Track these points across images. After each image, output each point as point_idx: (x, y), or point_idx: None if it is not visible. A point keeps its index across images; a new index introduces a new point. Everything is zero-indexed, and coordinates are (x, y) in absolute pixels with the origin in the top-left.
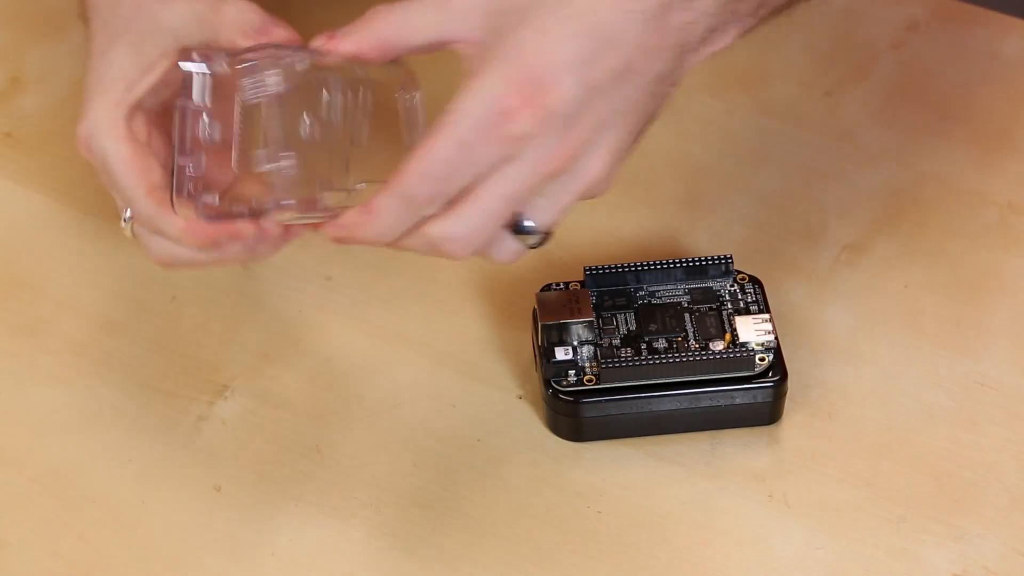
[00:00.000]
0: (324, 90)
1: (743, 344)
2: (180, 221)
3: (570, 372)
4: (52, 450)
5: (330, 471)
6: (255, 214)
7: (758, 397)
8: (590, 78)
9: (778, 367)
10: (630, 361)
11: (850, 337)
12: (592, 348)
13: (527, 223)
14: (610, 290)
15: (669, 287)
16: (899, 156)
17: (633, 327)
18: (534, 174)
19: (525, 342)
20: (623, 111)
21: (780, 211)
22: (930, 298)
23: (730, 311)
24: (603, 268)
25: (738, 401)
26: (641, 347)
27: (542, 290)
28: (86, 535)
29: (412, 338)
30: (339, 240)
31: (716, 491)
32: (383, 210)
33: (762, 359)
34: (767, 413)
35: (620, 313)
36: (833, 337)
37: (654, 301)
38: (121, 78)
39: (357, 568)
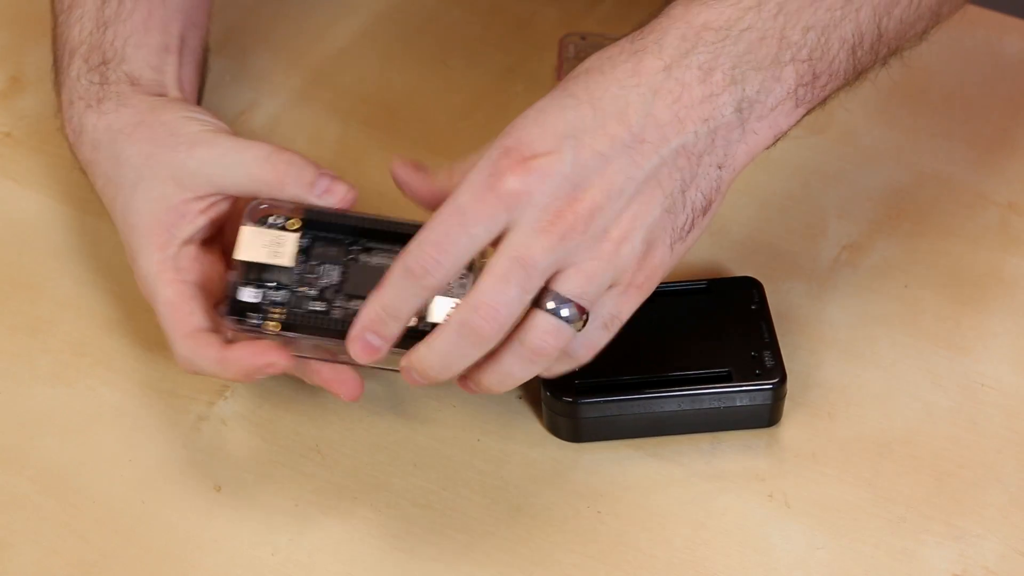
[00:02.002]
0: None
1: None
2: (214, 355)
3: (252, 314)
4: (52, 450)
5: (330, 471)
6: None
7: (757, 399)
8: (591, 143)
9: (778, 370)
10: (316, 316)
11: (850, 337)
12: (287, 294)
13: (554, 293)
14: (327, 237)
15: (387, 248)
16: (899, 156)
17: (335, 281)
18: (538, 232)
19: None
20: (639, 179)
21: (780, 211)
22: (930, 298)
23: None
24: (325, 214)
25: (737, 404)
26: (336, 303)
27: (255, 222)
28: (86, 535)
29: None
30: (359, 344)
31: (716, 491)
32: (389, 283)
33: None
34: (766, 416)
35: (330, 264)
36: (833, 337)
37: (370, 262)
38: (157, 223)
39: (357, 568)
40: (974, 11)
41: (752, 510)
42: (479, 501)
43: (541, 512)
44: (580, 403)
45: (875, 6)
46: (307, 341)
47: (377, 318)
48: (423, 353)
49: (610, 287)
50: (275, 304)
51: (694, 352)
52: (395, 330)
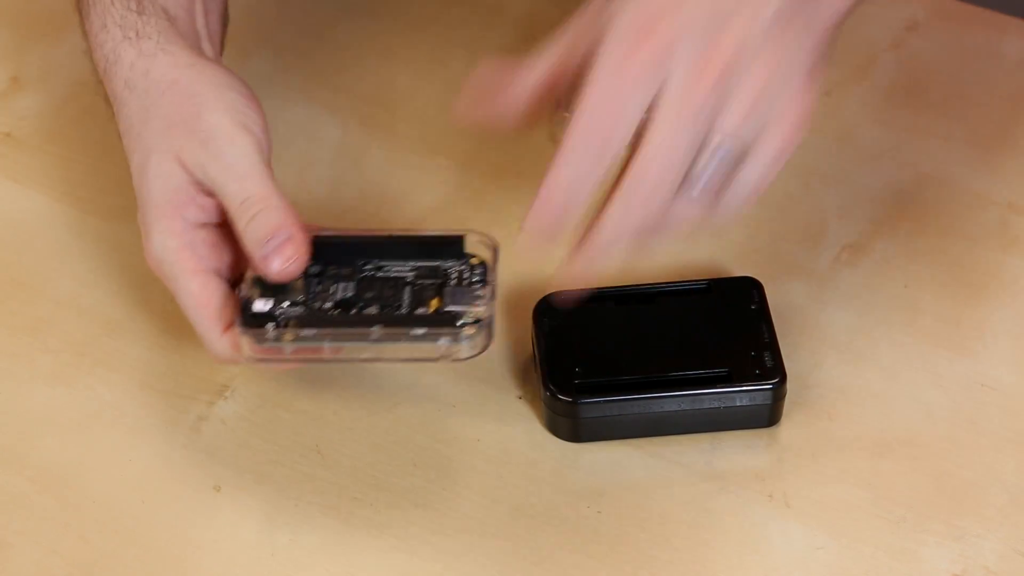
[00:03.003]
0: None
1: (449, 311)
2: (248, 353)
3: (268, 325)
4: (52, 450)
5: (330, 471)
6: (299, 353)
7: (757, 399)
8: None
9: (778, 370)
10: (331, 318)
11: (850, 337)
12: (301, 308)
13: (714, 131)
14: (336, 260)
15: (398, 263)
16: (899, 156)
17: (351, 295)
18: (695, 78)
19: (525, 343)
20: (767, 22)
21: (780, 211)
22: (930, 298)
23: (450, 285)
24: (332, 238)
25: (737, 404)
26: (352, 311)
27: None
28: (86, 535)
29: None
30: (537, 235)
31: (716, 491)
32: (565, 156)
33: (469, 328)
34: (766, 416)
35: (341, 282)
36: (833, 337)
37: (378, 275)
38: (167, 203)
39: (357, 568)
40: (974, 11)
41: (752, 510)
42: (479, 501)
43: (541, 512)
44: (580, 403)
45: None
46: (323, 343)
47: (556, 199)
48: (607, 224)
49: (763, 129)
50: (289, 317)
51: (694, 352)
52: (574, 211)
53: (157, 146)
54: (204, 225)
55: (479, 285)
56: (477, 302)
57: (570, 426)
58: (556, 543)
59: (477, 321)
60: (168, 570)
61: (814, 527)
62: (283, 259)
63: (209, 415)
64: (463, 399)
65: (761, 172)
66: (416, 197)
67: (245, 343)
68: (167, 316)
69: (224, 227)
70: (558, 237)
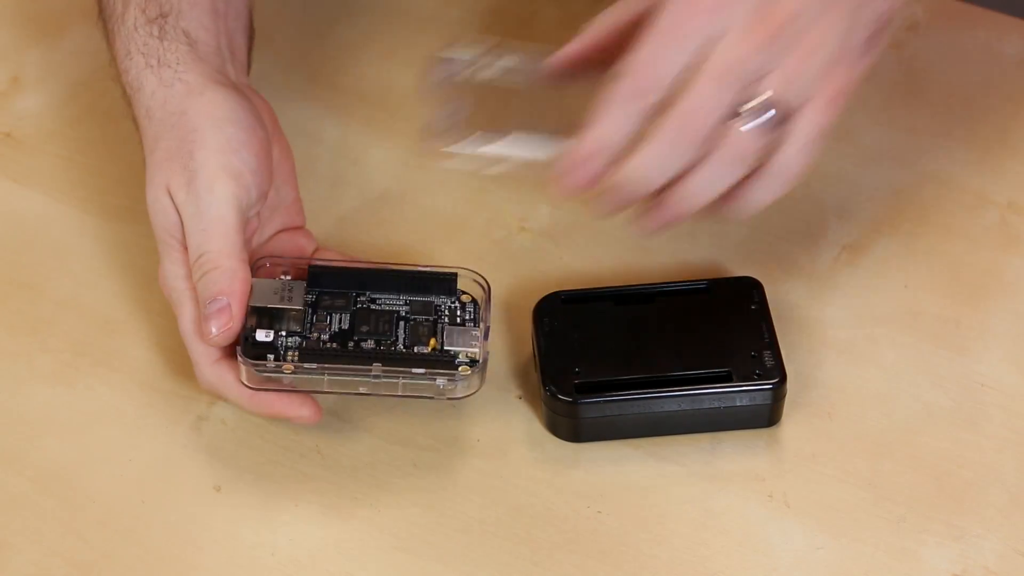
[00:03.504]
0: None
1: (447, 351)
2: (244, 393)
3: (269, 355)
4: (52, 450)
5: (330, 471)
6: (295, 385)
7: (757, 399)
8: None
9: (778, 370)
10: (331, 352)
11: (850, 337)
12: (298, 339)
13: (757, 94)
14: (331, 291)
15: (391, 296)
16: (899, 156)
17: (346, 327)
18: (745, 38)
19: (525, 343)
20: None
21: (780, 211)
22: (930, 298)
23: (445, 324)
24: (327, 268)
25: (737, 404)
26: (348, 345)
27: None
28: (86, 535)
29: None
30: (571, 184)
31: (716, 491)
32: (603, 110)
33: (464, 368)
34: (766, 416)
35: (336, 313)
36: (833, 337)
37: (372, 307)
38: (167, 234)
39: (357, 568)
40: (974, 11)
41: (752, 510)
42: (479, 501)
43: (541, 512)
44: (580, 403)
45: None
46: (323, 376)
47: (594, 147)
48: (634, 164)
49: (805, 104)
50: (288, 348)
51: (694, 352)
52: (605, 162)
53: (154, 178)
54: None
55: (472, 324)
56: (473, 343)
57: (570, 426)
58: (556, 543)
59: (473, 362)
60: (168, 570)
61: (814, 527)
62: (217, 326)
63: (209, 415)
64: (463, 399)
65: (800, 146)
66: (416, 197)
67: (245, 372)
68: (167, 316)
69: None
70: (590, 187)
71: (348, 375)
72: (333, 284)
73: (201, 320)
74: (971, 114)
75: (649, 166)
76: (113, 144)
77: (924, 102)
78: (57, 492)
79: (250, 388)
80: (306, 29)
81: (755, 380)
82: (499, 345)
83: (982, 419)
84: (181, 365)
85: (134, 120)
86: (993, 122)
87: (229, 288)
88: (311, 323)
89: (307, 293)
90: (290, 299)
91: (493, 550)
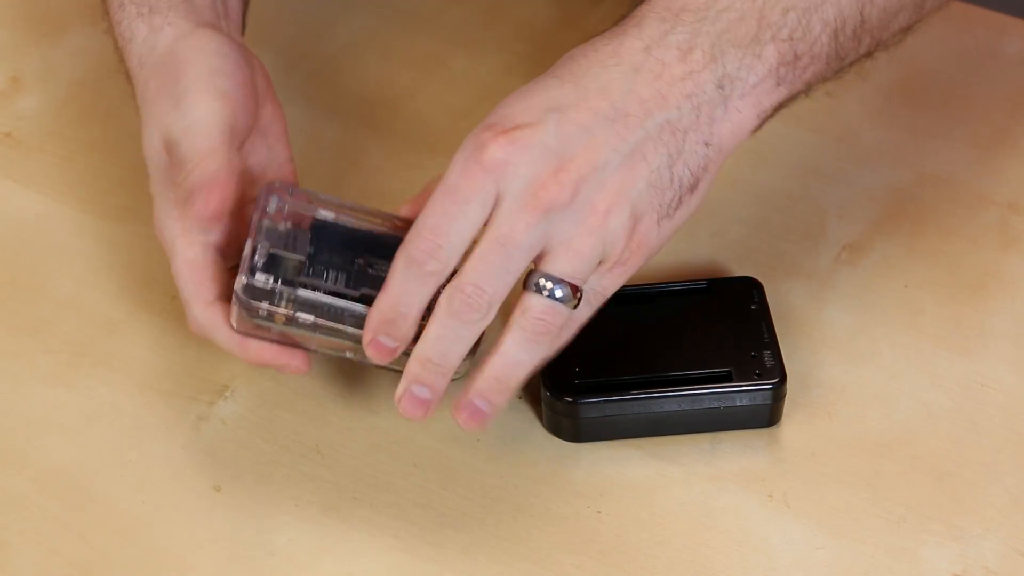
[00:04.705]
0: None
1: None
2: (234, 338)
3: (264, 301)
4: (52, 450)
5: (330, 471)
6: (283, 338)
7: (757, 399)
8: (574, 116)
9: (778, 370)
10: (327, 308)
11: (850, 337)
12: (296, 289)
13: (544, 272)
14: (332, 248)
15: (387, 264)
16: (899, 156)
17: (341, 287)
18: (524, 205)
19: None
20: (624, 152)
21: (780, 211)
22: (930, 298)
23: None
24: (333, 225)
25: (737, 404)
26: (343, 307)
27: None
28: (86, 535)
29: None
30: (373, 346)
31: (716, 491)
32: (393, 278)
33: None
34: (766, 416)
35: (334, 271)
36: (833, 337)
37: (370, 271)
38: (163, 176)
39: (357, 568)
40: (974, 11)
41: (752, 510)
42: (479, 501)
43: (541, 512)
44: (580, 403)
45: None
46: (313, 334)
47: (387, 317)
48: (420, 346)
49: (599, 263)
50: (285, 298)
51: (694, 352)
52: (407, 328)
53: (148, 118)
54: None
55: None
56: None
57: (570, 426)
58: (556, 543)
59: None
60: (168, 570)
61: (814, 527)
62: (203, 198)
63: (209, 415)
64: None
65: (588, 306)
66: None
67: (236, 315)
68: (167, 316)
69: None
70: (393, 355)
71: (339, 336)
72: (336, 242)
73: (188, 203)
74: (971, 114)
75: (430, 348)
76: (113, 144)
77: (924, 102)
78: (57, 492)
79: (239, 332)
80: (306, 29)
81: (755, 380)
82: None
83: (982, 419)
84: (181, 365)
85: (127, 75)
86: (993, 122)
87: (215, 177)
88: (308, 275)
89: (310, 245)
90: (294, 247)
91: (493, 550)
